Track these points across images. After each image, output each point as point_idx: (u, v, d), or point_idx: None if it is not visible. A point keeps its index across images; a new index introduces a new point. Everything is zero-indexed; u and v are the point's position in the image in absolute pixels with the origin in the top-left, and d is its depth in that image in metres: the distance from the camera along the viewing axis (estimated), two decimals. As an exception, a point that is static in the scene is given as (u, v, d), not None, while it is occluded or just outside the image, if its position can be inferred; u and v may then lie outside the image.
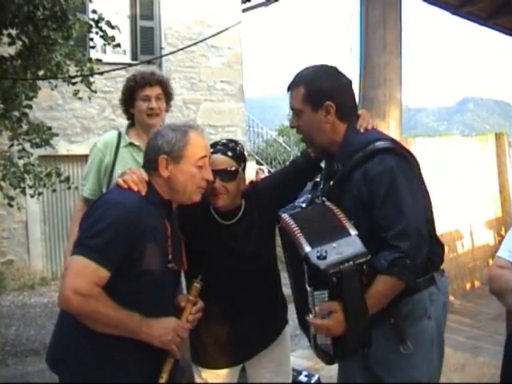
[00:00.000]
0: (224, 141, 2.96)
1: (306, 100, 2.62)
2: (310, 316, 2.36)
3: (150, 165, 2.54)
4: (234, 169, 2.86)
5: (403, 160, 2.52)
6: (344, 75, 2.71)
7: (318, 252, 2.30)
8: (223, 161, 2.85)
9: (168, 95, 3.78)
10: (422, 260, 2.41)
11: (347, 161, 2.57)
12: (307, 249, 2.33)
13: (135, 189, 2.45)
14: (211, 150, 2.79)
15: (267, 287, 3.04)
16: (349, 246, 2.34)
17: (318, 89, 2.60)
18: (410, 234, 2.37)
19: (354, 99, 2.76)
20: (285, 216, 2.57)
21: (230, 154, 2.86)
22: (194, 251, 2.81)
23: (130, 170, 2.56)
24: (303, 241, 2.38)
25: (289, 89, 2.73)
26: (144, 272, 2.38)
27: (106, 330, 2.32)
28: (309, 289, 2.34)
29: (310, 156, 2.98)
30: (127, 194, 2.44)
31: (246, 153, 3.03)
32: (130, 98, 3.70)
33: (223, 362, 3.01)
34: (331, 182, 2.68)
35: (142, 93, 3.63)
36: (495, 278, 2.81)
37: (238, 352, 3.01)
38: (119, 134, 3.73)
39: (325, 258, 2.28)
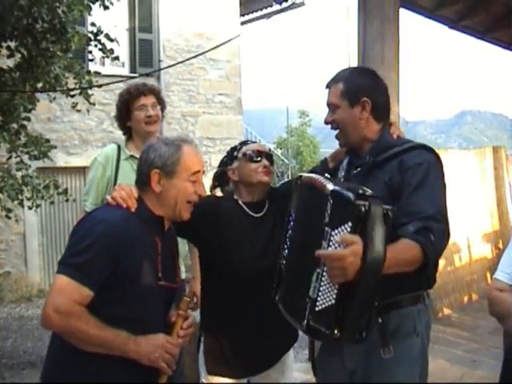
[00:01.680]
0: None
1: (344, 95, 2.71)
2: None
3: (142, 179, 2.51)
4: (272, 154, 3.09)
5: (439, 161, 2.62)
6: (381, 79, 2.84)
7: (345, 188, 2.24)
8: (264, 146, 3.11)
9: (162, 103, 3.84)
10: (442, 248, 2.42)
11: (381, 154, 2.64)
12: (332, 187, 2.27)
13: (124, 205, 2.43)
14: (247, 144, 3.09)
15: None
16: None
17: (356, 85, 2.71)
18: (439, 218, 2.40)
19: (389, 104, 2.83)
20: (306, 173, 2.66)
21: (266, 145, 3.06)
22: (218, 250, 2.89)
23: (119, 187, 2.54)
24: (328, 182, 2.34)
25: (327, 86, 2.81)
26: (132, 290, 2.36)
27: (91, 349, 2.29)
28: (326, 229, 2.22)
29: (328, 165, 3.07)
30: (114, 211, 2.41)
31: None
32: (126, 111, 3.72)
33: (234, 373, 3.00)
34: (357, 170, 2.72)
35: (138, 103, 3.67)
36: (495, 302, 2.81)
37: (250, 364, 3.00)
38: (119, 147, 3.75)
39: (353, 191, 2.19)
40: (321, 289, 2.26)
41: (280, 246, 2.80)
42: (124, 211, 2.42)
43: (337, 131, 2.79)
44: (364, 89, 2.71)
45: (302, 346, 6.86)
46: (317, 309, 2.27)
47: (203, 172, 2.59)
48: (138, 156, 3.55)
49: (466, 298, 8.43)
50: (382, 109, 2.76)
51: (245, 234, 2.95)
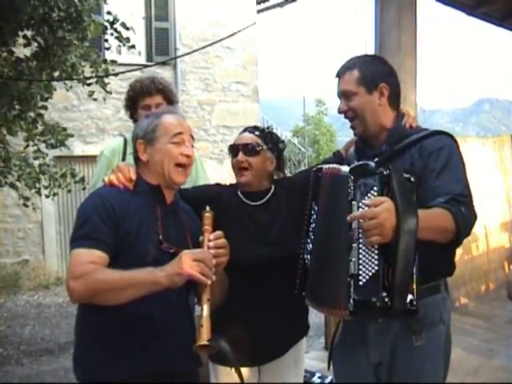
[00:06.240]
0: (259, 126, 3.15)
1: (360, 82, 2.65)
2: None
3: (135, 154, 2.59)
4: (256, 143, 2.94)
5: (457, 145, 2.61)
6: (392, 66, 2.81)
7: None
8: (247, 137, 2.99)
9: (170, 102, 3.68)
10: (472, 224, 2.41)
11: (397, 143, 2.61)
12: (348, 167, 2.42)
13: (120, 187, 2.50)
14: (241, 131, 3.03)
15: (291, 283, 2.80)
16: None
17: (372, 71, 2.66)
18: (467, 196, 2.41)
19: (400, 91, 2.80)
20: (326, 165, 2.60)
21: (256, 132, 3.00)
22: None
23: (117, 168, 2.60)
24: (342, 166, 2.46)
25: (338, 75, 2.73)
26: (134, 255, 2.37)
27: (122, 296, 2.25)
28: (354, 203, 2.28)
29: (342, 156, 3.01)
30: (109, 188, 2.50)
31: (282, 142, 3.13)
32: (132, 106, 3.68)
33: (242, 361, 2.97)
34: (375, 160, 2.60)
35: (143, 102, 3.59)
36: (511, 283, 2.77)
37: (259, 353, 2.97)
38: (125, 141, 3.70)
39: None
40: (361, 261, 2.27)
41: (291, 237, 2.80)
42: (121, 189, 2.50)
43: (353, 121, 2.71)
44: (381, 74, 2.66)
45: (317, 335, 6.88)
46: (361, 282, 2.27)
47: (192, 138, 2.61)
48: None
49: (483, 288, 8.39)
50: (397, 95, 2.72)
51: (240, 222, 2.93)
